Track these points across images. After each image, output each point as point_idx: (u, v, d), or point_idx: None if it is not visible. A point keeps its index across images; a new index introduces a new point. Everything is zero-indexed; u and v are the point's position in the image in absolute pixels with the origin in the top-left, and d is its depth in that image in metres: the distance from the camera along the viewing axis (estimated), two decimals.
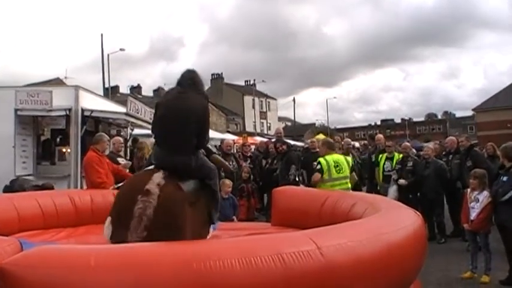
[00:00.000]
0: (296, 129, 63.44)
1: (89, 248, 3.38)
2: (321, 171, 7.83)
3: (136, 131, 14.69)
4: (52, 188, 8.79)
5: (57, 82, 40.70)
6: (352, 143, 14.37)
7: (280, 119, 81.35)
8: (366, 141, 16.47)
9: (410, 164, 10.26)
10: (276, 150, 11.91)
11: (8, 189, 8.49)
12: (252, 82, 71.88)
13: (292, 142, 17.47)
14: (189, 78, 4.78)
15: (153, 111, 5.61)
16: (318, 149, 12.24)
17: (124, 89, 61.76)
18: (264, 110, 76.84)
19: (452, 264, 7.81)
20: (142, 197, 4.31)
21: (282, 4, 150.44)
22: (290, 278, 3.23)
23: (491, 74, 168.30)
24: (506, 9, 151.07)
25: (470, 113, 70.64)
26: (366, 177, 12.01)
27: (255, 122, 69.62)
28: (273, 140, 13.98)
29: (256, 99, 72.40)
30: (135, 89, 64.49)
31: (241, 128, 64.50)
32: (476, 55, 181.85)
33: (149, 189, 4.35)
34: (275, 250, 3.28)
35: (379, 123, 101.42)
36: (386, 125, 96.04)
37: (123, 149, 10.83)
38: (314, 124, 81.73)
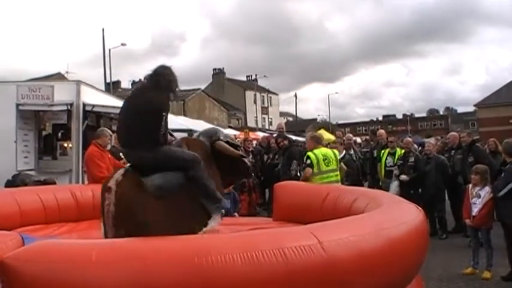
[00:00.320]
0: (298, 125, 63.36)
1: (91, 243, 3.39)
2: (311, 165, 8.02)
3: None
4: (54, 183, 8.79)
5: (59, 77, 40.67)
6: (354, 138, 14.36)
7: (282, 114, 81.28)
8: (367, 137, 16.46)
9: (412, 159, 10.24)
10: (277, 145, 11.90)
11: (9, 184, 8.50)
12: (253, 77, 71.73)
13: (293, 137, 17.44)
14: (156, 74, 4.79)
15: None
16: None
17: (125, 84, 61.59)
18: (266, 105, 76.72)
19: (453, 260, 7.81)
20: (107, 194, 4.42)
21: None
22: (292, 273, 3.23)
23: (493, 69, 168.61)
24: (508, 4, 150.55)
25: (472, 108, 70.50)
26: (367, 172, 12.00)
27: (256, 117, 69.46)
28: (275, 135, 13.97)
29: (258, 94, 72.27)
30: (137, 84, 64.42)
31: (242, 123, 64.46)
32: (479, 51, 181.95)
33: (110, 186, 4.44)
34: (277, 245, 3.29)
35: (381, 118, 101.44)
36: (388, 120, 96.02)
37: None
38: (316, 119, 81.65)
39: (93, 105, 11.20)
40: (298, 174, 10.47)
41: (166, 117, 4.64)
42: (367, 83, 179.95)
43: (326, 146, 11.68)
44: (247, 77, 76.20)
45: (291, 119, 79.70)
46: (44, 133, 12.21)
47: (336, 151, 8.91)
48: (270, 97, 78.10)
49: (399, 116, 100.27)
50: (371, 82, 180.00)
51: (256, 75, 70.81)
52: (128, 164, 4.89)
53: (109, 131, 8.92)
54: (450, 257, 8.00)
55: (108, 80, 37.10)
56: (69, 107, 11.00)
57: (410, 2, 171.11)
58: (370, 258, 3.64)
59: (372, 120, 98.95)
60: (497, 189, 6.84)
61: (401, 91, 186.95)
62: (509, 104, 54.59)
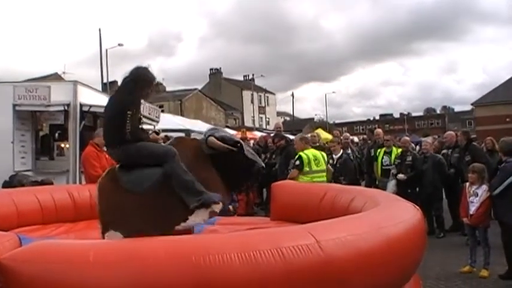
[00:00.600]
0: (295, 124, 63.40)
1: (88, 243, 3.39)
2: (300, 166, 8.36)
3: None
4: (51, 183, 8.78)
5: (56, 77, 40.66)
6: (351, 137, 14.38)
7: (279, 113, 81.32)
8: (365, 136, 16.48)
9: (409, 158, 10.25)
10: (274, 145, 11.92)
11: (6, 184, 8.48)
12: (250, 77, 71.88)
13: (291, 137, 17.45)
14: (127, 75, 5.02)
15: (152, 106, 5.72)
16: (317, 144, 12.33)
17: None
18: (263, 104, 76.75)
19: (451, 259, 7.82)
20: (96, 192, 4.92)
21: None
22: (289, 272, 3.23)
23: (490, 68, 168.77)
24: (505, 3, 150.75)
25: (469, 107, 70.69)
26: (365, 171, 12.01)
27: (253, 116, 69.52)
28: (272, 134, 13.98)
29: (255, 94, 72.27)
30: None
31: (240, 123, 64.49)
32: (476, 49, 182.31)
33: (98, 184, 4.93)
34: (274, 244, 3.29)
35: (378, 117, 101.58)
36: (385, 119, 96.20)
37: None
38: (313, 119, 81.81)
39: (90, 106, 11.16)
40: None
41: (133, 115, 4.80)
42: (364, 82, 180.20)
43: (324, 145, 11.75)
44: (244, 76, 76.32)
45: (288, 118, 79.68)
46: (41, 133, 12.18)
47: (323, 153, 9.20)
48: (267, 97, 78.13)
49: (396, 115, 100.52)
50: (368, 81, 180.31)
51: (253, 74, 71.08)
52: None
53: None
54: (448, 256, 8.01)
55: (105, 80, 37.21)
56: (66, 108, 10.96)
57: (407, 1, 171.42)
58: (368, 257, 3.64)
59: (369, 120, 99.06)
60: (494, 188, 6.86)
61: (398, 90, 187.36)
62: (507, 103, 54.68)
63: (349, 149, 11.82)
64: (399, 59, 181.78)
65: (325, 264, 3.36)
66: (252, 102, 70.37)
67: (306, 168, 8.35)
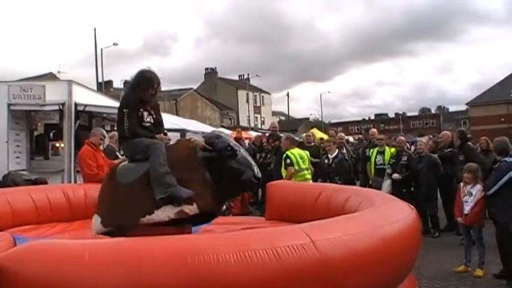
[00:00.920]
0: (290, 124, 63.45)
1: (83, 243, 3.38)
2: (291, 164, 8.69)
3: None
4: (45, 182, 8.77)
5: (51, 77, 40.58)
6: (346, 137, 14.39)
7: (274, 113, 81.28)
8: (360, 136, 16.50)
9: (404, 158, 10.27)
10: (269, 145, 11.93)
11: (0, 184, 8.46)
12: (246, 76, 71.77)
13: None
14: (133, 77, 5.38)
15: None
16: (312, 143, 12.35)
17: (118, 84, 61.21)
18: (258, 104, 76.75)
19: (446, 258, 7.84)
20: None
21: None
22: (285, 272, 3.23)
23: (485, 68, 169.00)
24: (499, 3, 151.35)
25: (464, 107, 70.79)
26: (360, 171, 12.02)
27: (249, 116, 69.48)
28: (267, 134, 13.99)
29: (250, 93, 72.30)
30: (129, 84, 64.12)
31: (235, 123, 64.40)
32: (470, 50, 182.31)
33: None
34: (269, 244, 3.29)
35: (373, 117, 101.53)
36: (380, 119, 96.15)
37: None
38: (308, 119, 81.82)
39: (85, 105, 11.17)
40: None
41: (130, 114, 5.11)
42: (359, 82, 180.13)
43: (319, 145, 11.78)
44: (239, 76, 76.23)
45: (283, 118, 79.68)
46: (35, 133, 12.19)
47: (307, 152, 9.63)
48: (262, 96, 78.14)
49: (391, 115, 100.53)
50: (363, 81, 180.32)
51: (248, 74, 70.97)
52: None
53: (103, 130, 8.95)
54: (442, 255, 8.03)
55: (100, 80, 37.11)
56: (61, 107, 10.97)
57: (402, 1, 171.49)
58: (363, 257, 3.65)
59: (364, 119, 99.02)
60: (488, 187, 6.88)
61: (393, 90, 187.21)
62: (501, 103, 54.92)
63: (344, 148, 11.82)
64: (394, 59, 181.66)
65: (321, 264, 3.36)
66: (247, 101, 70.40)
67: (296, 167, 8.69)
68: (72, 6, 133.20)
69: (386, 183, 10.12)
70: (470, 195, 7.07)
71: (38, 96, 10.61)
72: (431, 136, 19.49)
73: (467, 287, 6.56)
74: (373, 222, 4.04)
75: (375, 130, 13.06)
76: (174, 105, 54.45)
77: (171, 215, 4.85)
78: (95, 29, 37.58)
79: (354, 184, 10.90)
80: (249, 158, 5.19)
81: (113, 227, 5.01)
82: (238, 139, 14.34)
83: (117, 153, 9.12)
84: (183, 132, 16.58)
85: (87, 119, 12.38)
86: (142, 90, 5.23)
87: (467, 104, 63.20)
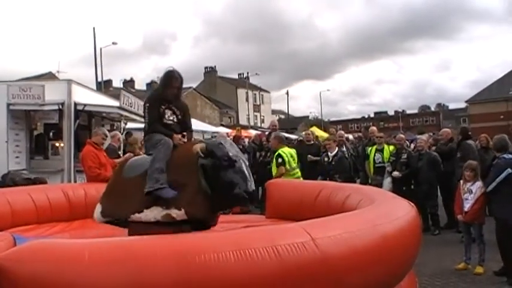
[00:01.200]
0: (290, 122, 63.51)
1: (83, 243, 3.37)
2: (283, 163, 8.73)
3: (130, 125, 14.63)
4: (45, 182, 8.76)
5: (50, 76, 40.61)
6: (346, 135, 14.36)
7: (274, 112, 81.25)
8: (360, 134, 16.46)
9: (404, 156, 10.27)
10: (268, 143, 11.91)
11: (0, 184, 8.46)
12: (245, 75, 71.72)
13: (286, 135, 17.44)
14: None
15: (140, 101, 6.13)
16: (312, 142, 12.33)
17: (117, 83, 61.41)
18: (258, 103, 76.71)
19: (446, 256, 7.84)
20: None
21: None
22: (285, 270, 3.23)
23: (484, 66, 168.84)
24: (497, 0, 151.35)
25: (463, 105, 70.84)
26: (360, 169, 12.01)
27: (248, 115, 69.50)
28: (267, 132, 13.97)
29: (250, 92, 72.24)
30: (128, 83, 64.04)
31: (234, 121, 64.38)
32: (469, 47, 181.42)
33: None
34: (270, 242, 3.29)
35: (372, 115, 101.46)
36: (380, 117, 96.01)
37: (121, 144, 10.85)
38: (307, 117, 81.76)
39: (85, 105, 11.15)
40: None
41: (150, 109, 5.31)
42: (358, 80, 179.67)
43: (319, 143, 11.77)
44: (238, 75, 76.23)
45: (283, 116, 79.67)
46: (35, 133, 12.17)
47: (294, 150, 9.76)
48: (262, 95, 78.09)
49: (391, 113, 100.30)
50: (362, 79, 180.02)
51: (247, 73, 70.87)
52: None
53: (105, 130, 8.97)
54: (443, 253, 8.03)
55: (99, 79, 37.11)
56: (60, 107, 10.95)
57: None
58: (363, 255, 3.65)
59: (363, 117, 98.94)
60: (488, 184, 6.88)
61: (393, 88, 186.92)
62: (500, 100, 54.96)
63: (344, 146, 11.80)
64: (393, 57, 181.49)
65: (321, 261, 3.36)
66: (247, 100, 70.37)
67: (287, 166, 8.75)
68: (72, 5, 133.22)
69: (387, 181, 10.12)
70: (470, 193, 7.07)
71: (37, 96, 10.61)
72: (431, 134, 19.51)
73: (467, 284, 6.55)
74: (373, 220, 4.04)
75: (374, 128, 13.01)
76: None
77: (158, 217, 4.82)
78: (94, 29, 37.70)
79: (354, 182, 10.88)
80: (247, 172, 4.85)
81: (111, 218, 5.18)
82: (237, 138, 14.36)
83: (119, 152, 9.14)
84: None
85: (87, 118, 12.36)
86: (165, 88, 5.38)
87: (466, 101, 63.25)
